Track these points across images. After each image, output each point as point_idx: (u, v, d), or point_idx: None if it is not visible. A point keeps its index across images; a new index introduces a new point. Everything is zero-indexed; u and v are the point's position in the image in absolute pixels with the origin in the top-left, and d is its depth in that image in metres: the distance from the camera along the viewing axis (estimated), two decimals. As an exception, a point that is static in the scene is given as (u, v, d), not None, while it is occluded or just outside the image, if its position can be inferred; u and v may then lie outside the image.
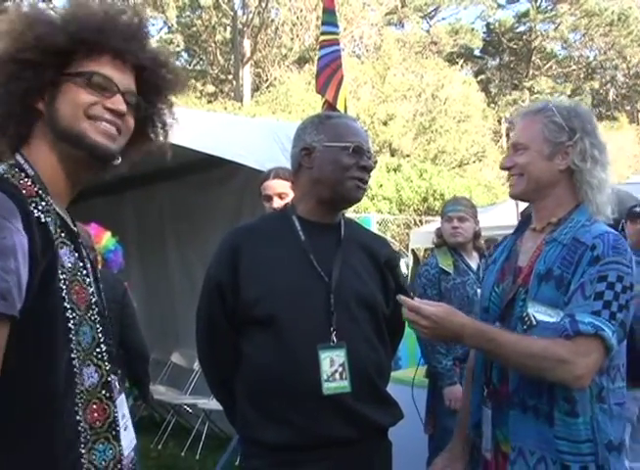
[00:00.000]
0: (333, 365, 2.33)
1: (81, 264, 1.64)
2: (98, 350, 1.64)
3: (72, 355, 1.55)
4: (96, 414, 1.59)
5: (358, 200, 2.53)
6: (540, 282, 2.23)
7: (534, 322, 2.19)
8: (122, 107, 1.65)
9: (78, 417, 1.55)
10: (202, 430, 6.85)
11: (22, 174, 1.58)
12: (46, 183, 1.62)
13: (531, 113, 2.38)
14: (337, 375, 2.32)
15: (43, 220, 1.53)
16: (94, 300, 1.65)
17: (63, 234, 1.60)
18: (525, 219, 2.53)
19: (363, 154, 2.45)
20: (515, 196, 2.46)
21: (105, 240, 4.84)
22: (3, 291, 1.39)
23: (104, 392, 1.63)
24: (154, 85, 1.76)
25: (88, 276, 1.66)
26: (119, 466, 1.63)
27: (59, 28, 1.61)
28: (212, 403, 6.23)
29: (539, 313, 2.19)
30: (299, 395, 2.31)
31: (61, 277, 1.54)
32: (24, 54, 1.58)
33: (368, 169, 2.47)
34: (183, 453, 6.73)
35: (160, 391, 7.45)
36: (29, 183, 1.57)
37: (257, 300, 2.37)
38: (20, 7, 1.69)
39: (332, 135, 2.47)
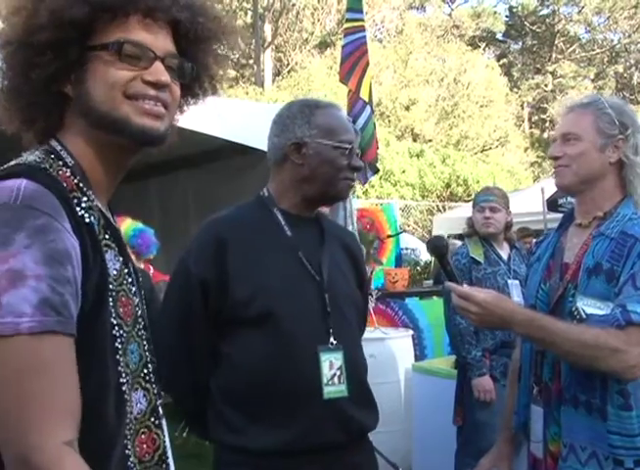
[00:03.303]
0: (332, 368, 2.23)
1: (126, 271, 1.40)
2: (145, 370, 1.41)
3: (122, 380, 1.31)
4: (145, 446, 1.37)
5: (345, 198, 2.52)
6: (590, 276, 2.21)
7: (584, 316, 2.17)
8: (165, 77, 1.35)
9: (127, 451, 1.31)
10: (226, 418, 6.84)
11: (61, 163, 1.32)
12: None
13: (581, 105, 2.37)
14: (335, 379, 2.23)
15: (88, 220, 1.29)
16: (139, 312, 1.43)
17: (107, 235, 1.36)
18: (567, 216, 2.51)
19: (353, 153, 2.35)
20: (562, 187, 2.44)
21: (124, 227, 4.48)
22: (56, 304, 1.15)
23: (152, 419, 1.40)
24: (195, 39, 1.44)
25: (133, 284, 1.42)
26: None
27: None
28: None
29: (588, 307, 2.17)
30: (299, 398, 2.20)
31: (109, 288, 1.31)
32: (41, 35, 1.28)
33: (358, 170, 2.40)
34: (207, 442, 6.72)
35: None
36: (68, 174, 1.31)
37: (251, 298, 2.21)
38: None
39: (324, 130, 2.32)
